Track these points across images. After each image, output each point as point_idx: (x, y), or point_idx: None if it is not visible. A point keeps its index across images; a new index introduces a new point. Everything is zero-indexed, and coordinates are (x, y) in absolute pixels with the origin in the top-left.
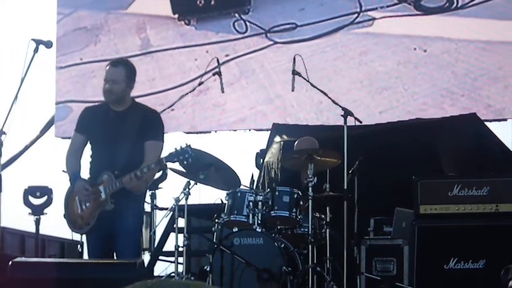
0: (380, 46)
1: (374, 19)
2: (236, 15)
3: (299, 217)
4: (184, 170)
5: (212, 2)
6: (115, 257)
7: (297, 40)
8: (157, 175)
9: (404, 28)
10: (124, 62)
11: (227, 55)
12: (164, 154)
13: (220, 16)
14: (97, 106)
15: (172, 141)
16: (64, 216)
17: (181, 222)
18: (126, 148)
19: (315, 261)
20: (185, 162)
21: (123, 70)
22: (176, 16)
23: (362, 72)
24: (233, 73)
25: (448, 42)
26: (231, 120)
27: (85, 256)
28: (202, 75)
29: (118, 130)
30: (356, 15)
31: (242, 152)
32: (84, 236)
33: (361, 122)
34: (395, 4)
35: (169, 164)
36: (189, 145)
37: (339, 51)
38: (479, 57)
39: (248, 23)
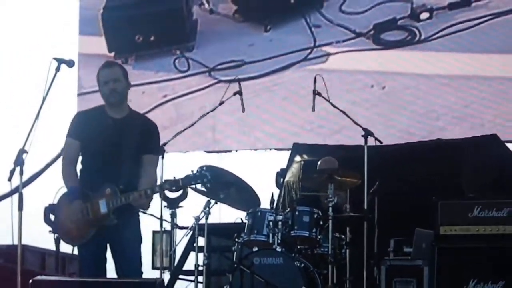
0: (334, 84)
1: (328, 54)
2: (178, 52)
3: (319, 237)
4: (204, 190)
5: (152, 38)
6: (107, 268)
7: (243, 78)
8: (177, 194)
9: (361, 64)
10: (116, 63)
11: (165, 96)
12: (182, 175)
13: (160, 53)
14: (92, 110)
15: (193, 160)
16: (54, 225)
17: (201, 241)
18: (127, 159)
19: (335, 281)
20: (201, 186)
21: (119, 69)
22: (113, 54)
23: (312, 113)
24: (170, 115)
25: (408, 78)
26: None
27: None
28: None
29: (119, 140)
30: (309, 51)
31: (262, 171)
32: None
33: (381, 143)
34: (352, 38)
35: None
36: (208, 169)
37: (288, 90)
38: (442, 94)
39: (190, 61)
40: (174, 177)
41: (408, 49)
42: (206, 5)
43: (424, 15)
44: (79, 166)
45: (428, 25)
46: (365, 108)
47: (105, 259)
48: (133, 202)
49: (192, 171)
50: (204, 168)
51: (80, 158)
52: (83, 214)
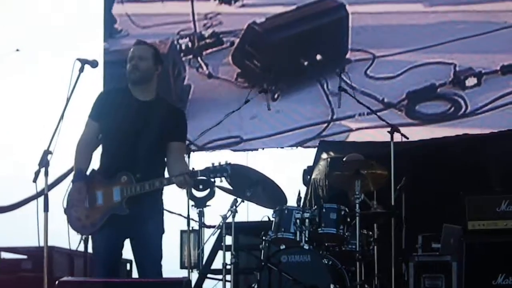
0: None
1: (350, 130)
2: None
3: (346, 234)
4: (231, 188)
5: None
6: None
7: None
8: (205, 193)
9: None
10: (148, 43)
11: None
12: (201, 167)
13: None
14: (117, 91)
15: (220, 159)
16: (65, 211)
17: (229, 240)
18: (149, 146)
19: (363, 278)
20: (221, 180)
21: (150, 48)
22: None
23: None
24: None
25: None
26: None
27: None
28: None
29: (143, 124)
30: (325, 125)
31: (289, 169)
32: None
33: (407, 138)
34: (380, 110)
35: (217, 182)
36: (229, 164)
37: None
38: None
39: None
40: (193, 168)
41: (450, 125)
42: (205, 68)
43: (471, 81)
44: (100, 150)
45: (476, 93)
46: None
47: (121, 253)
48: (180, 185)
49: (213, 163)
50: (227, 162)
51: (103, 142)
52: (79, 195)
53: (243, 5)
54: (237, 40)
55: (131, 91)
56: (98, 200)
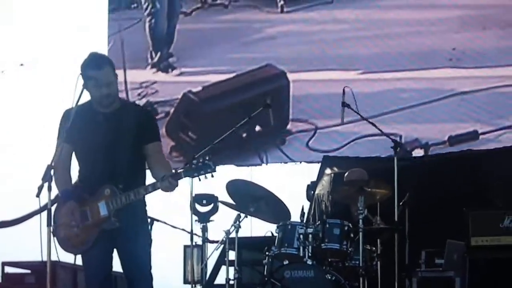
0: None
1: None
2: None
3: (349, 249)
4: (234, 203)
5: None
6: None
7: None
8: (208, 208)
9: None
10: (105, 60)
11: None
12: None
13: None
14: (81, 107)
15: (223, 174)
16: (53, 233)
17: (232, 255)
18: (125, 155)
19: None
20: (206, 177)
21: (110, 69)
22: None
23: None
24: None
25: None
26: None
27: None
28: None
29: (113, 135)
30: None
31: (293, 184)
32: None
33: (411, 154)
34: None
35: (220, 198)
36: (211, 159)
37: None
38: None
39: None
40: (175, 170)
41: None
42: None
43: (418, 153)
44: (76, 168)
45: None
46: None
47: (112, 266)
48: (164, 189)
49: (193, 161)
50: (206, 157)
51: (78, 161)
52: (73, 216)
53: (181, 73)
54: (172, 110)
55: (94, 106)
56: (86, 218)
